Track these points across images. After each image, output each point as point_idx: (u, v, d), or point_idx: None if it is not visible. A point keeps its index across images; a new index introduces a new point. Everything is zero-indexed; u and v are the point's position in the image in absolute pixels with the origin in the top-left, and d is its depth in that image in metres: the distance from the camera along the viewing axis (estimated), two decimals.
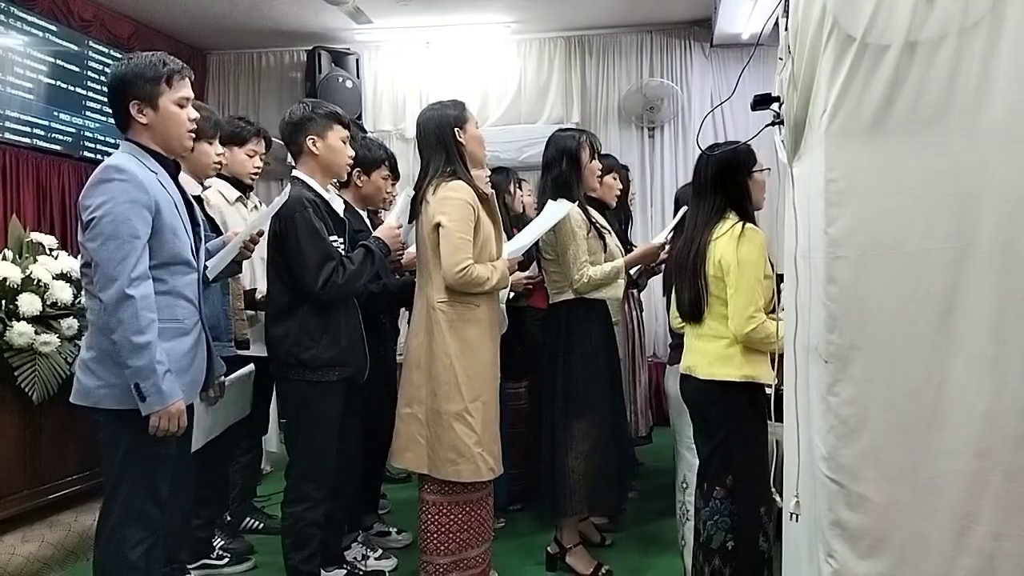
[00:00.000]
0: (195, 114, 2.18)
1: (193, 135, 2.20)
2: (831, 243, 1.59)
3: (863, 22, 1.54)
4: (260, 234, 2.41)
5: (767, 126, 1.87)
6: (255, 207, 3.21)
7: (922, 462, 1.55)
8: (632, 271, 3.57)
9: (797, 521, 1.75)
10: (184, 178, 2.61)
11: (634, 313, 3.69)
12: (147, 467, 2.05)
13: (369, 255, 2.56)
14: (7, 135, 4.95)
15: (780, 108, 1.85)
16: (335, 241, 2.53)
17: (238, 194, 3.14)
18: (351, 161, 2.72)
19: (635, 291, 3.79)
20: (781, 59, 1.83)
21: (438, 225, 2.56)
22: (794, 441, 1.76)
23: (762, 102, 1.89)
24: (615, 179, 3.49)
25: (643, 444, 4.00)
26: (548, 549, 3.00)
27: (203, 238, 2.26)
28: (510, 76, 6.19)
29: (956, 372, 1.53)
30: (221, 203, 3.04)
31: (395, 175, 3.25)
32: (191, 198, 2.35)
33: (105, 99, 2.14)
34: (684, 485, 2.90)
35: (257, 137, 3.19)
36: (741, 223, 2.32)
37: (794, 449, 1.76)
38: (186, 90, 2.14)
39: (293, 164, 2.68)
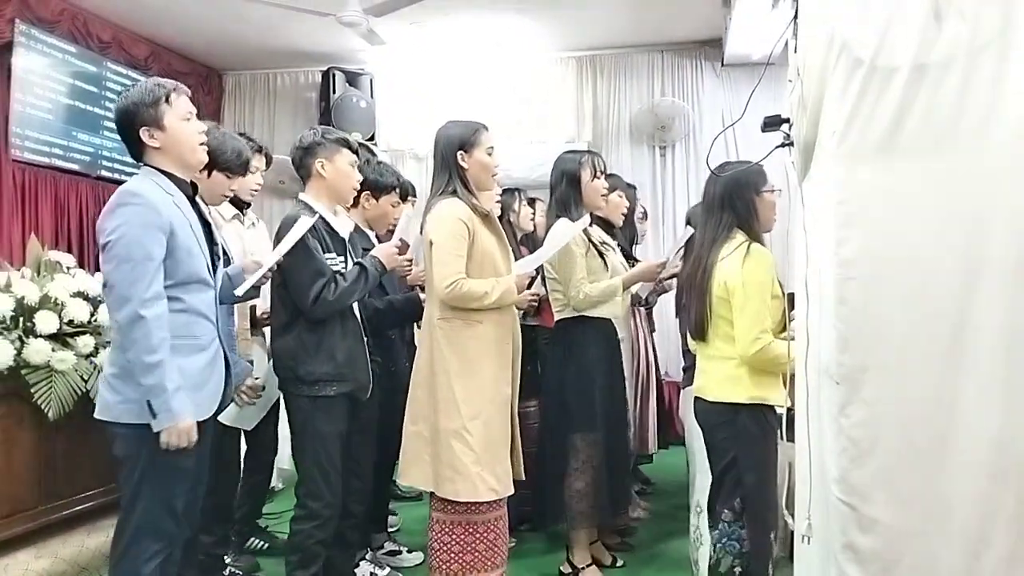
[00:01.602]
0: (202, 126, 2.24)
1: (206, 147, 2.25)
2: (841, 264, 1.59)
3: (872, 45, 1.55)
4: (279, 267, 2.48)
5: (777, 147, 1.88)
6: (252, 224, 3.25)
7: (934, 484, 1.53)
8: (636, 289, 3.60)
9: (809, 544, 1.74)
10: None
11: (641, 331, 3.69)
12: (165, 481, 2.09)
13: (363, 272, 2.60)
14: (27, 154, 5.04)
15: (790, 129, 1.87)
16: (332, 259, 2.57)
17: (235, 212, 3.16)
18: (358, 185, 2.78)
19: (642, 309, 3.79)
20: (791, 81, 1.84)
21: (431, 243, 2.61)
22: (806, 463, 1.75)
23: (772, 124, 1.91)
24: (621, 197, 3.52)
25: (647, 463, 3.99)
26: (561, 568, 3.00)
27: (220, 257, 2.31)
28: (522, 95, 6.25)
29: (968, 393, 1.52)
30: (218, 221, 3.06)
31: (405, 200, 3.31)
32: (208, 219, 2.40)
33: None
34: (699, 509, 2.89)
35: (259, 154, 3.22)
36: (747, 243, 2.32)
37: (806, 471, 1.75)
38: (186, 105, 2.21)
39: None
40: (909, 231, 1.55)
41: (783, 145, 1.86)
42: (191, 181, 2.25)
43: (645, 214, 4.48)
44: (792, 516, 1.90)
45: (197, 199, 2.29)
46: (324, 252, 2.55)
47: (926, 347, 1.54)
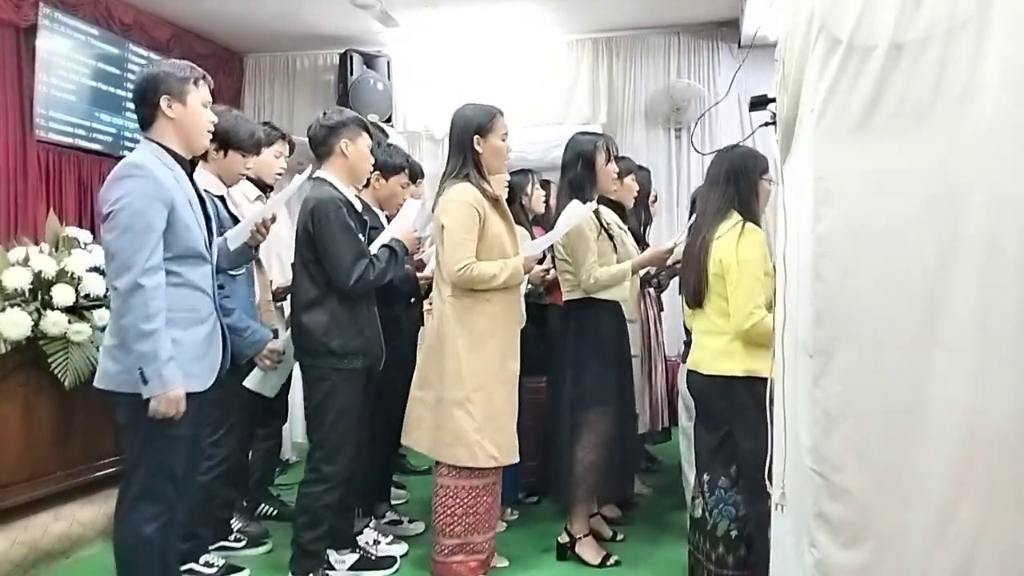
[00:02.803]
0: (214, 117, 2.31)
1: (212, 135, 2.34)
2: (818, 240, 1.62)
3: (849, 24, 1.57)
4: (273, 219, 2.55)
5: (761, 126, 1.91)
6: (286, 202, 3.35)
7: (905, 454, 1.57)
8: (652, 270, 3.65)
9: (783, 512, 1.78)
10: (210, 178, 2.80)
11: (651, 312, 3.74)
12: (163, 448, 2.17)
13: (393, 255, 2.73)
14: (51, 135, 5.16)
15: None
16: (361, 239, 2.70)
17: (258, 193, 3.30)
18: (372, 169, 2.91)
19: (652, 290, 3.83)
20: (776, 61, 1.87)
21: (442, 226, 2.71)
22: (782, 434, 1.80)
23: (759, 103, 1.94)
24: (633, 181, 3.56)
25: (661, 441, 4.05)
26: (559, 539, 3.07)
27: (215, 233, 2.37)
28: (537, 77, 6.26)
29: (940, 366, 1.55)
30: (243, 201, 3.20)
31: (414, 180, 3.41)
32: (214, 197, 2.48)
33: None
34: (688, 482, 2.96)
35: (282, 141, 3.39)
36: (742, 223, 2.39)
37: (781, 442, 1.80)
38: (208, 95, 2.29)
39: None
40: (885, 208, 1.58)
41: (767, 124, 1.89)
42: (190, 159, 2.32)
43: (656, 197, 4.50)
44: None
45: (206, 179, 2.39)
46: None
47: (900, 322, 1.57)
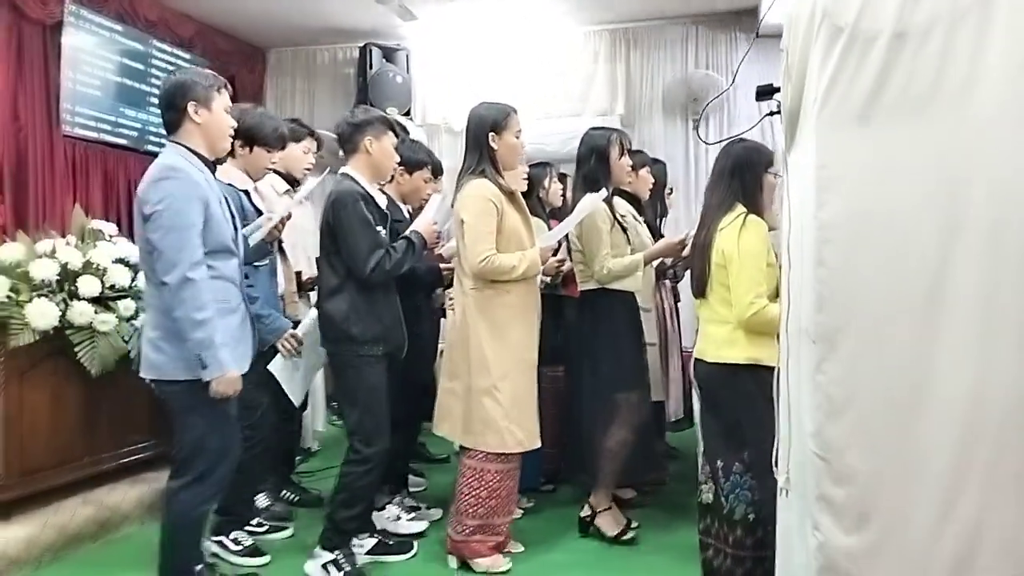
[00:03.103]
0: (234, 123, 2.46)
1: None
2: (821, 227, 1.64)
3: (852, 13, 1.59)
4: (289, 217, 2.70)
5: (767, 115, 1.93)
6: (300, 201, 3.41)
7: (907, 439, 1.59)
8: (668, 261, 3.69)
9: (788, 496, 1.81)
10: (236, 173, 2.93)
11: (666, 302, 3.78)
12: (218, 428, 2.32)
13: (411, 246, 2.81)
14: (77, 130, 5.26)
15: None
16: (379, 231, 2.78)
17: (287, 187, 3.41)
18: (396, 164, 3.01)
19: (668, 281, 3.86)
20: (781, 51, 1.89)
21: (462, 221, 2.80)
22: (786, 419, 1.82)
23: (764, 93, 1.95)
24: (648, 173, 3.61)
25: (680, 429, 4.08)
26: (580, 514, 3.18)
27: (239, 228, 2.51)
28: (555, 69, 6.27)
29: (943, 351, 1.56)
30: (271, 194, 3.29)
31: (436, 176, 3.48)
32: (238, 192, 2.59)
33: None
34: (701, 462, 3.01)
35: (311, 138, 3.50)
36: (744, 215, 2.44)
37: (786, 427, 1.82)
38: (229, 100, 2.44)
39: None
40: (887, 194, 1.59)
41: (772, 113, 1.91)
42: (212, 160, 2.46)
43: (672, 190, 4.52)
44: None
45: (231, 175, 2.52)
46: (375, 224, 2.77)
47: (902, 308, 1.59)
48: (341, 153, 2.90)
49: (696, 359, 2.58)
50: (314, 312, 2.97)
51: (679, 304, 4.19)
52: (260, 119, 3.01)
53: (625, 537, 3.08)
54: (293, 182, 3.45)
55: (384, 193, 3.00)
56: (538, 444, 2.92)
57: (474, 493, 2.86)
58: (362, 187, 2.80)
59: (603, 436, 3.05)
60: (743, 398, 2.39)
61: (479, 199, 2.80)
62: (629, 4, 5.81)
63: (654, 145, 6.00)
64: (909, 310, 1.57)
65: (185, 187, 2.26)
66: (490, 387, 2.79)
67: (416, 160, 3.35)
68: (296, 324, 3.14)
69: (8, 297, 2.89)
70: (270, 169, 3.17)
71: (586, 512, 3.15)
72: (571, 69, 6.27)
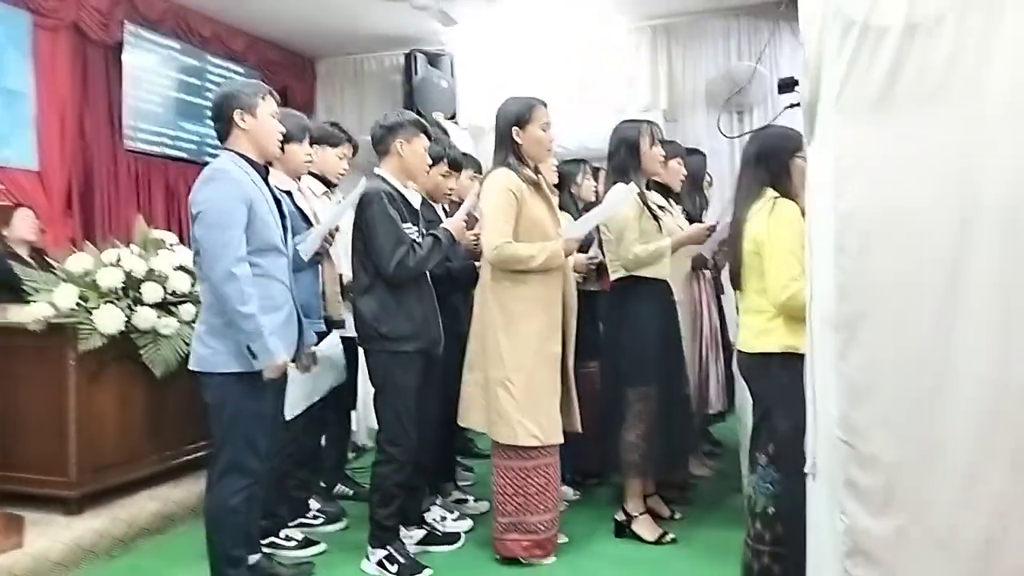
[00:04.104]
0: (281, 127, 2.56)
1: (281, 141, 2.59)
2: (840, 216, 1.67)
3: (864, 5, 1.61)
4: (337, 229, 2.78)
5: (787, 107, 1.96)
6: (339, 201, 3.52)
7: (930, 424, 1.60)
8: (706, 252, 3.67)
9: (815, 481, 1.84)
10: (279, 176, 3.01)
11: (704, 294, 3.76)
12: (248, 422, 2.41)
13: (437, 242, 2.84)
14: (139, 144, 5.53)
15: None
16: (409, 229, 2.83)
17: (325, 188, 3.47)
18: (427, 167, 3.05)
19: (707, 272, 3.85)
20: (803, 43, 1.91)
21: (482, 212, 2.85)
22: (812, 405, 1.85)
23: (786, 85, 1.99)
24: (680, 164, 3.60)
25: (716, 423, 4.07)
26: (615, 517, 3.16)
27: (289, 228, 2.61)
28: (596, 67, 6.32)
29: (963, 337, 1.57)
30: (311, 196, 3.37)
31: (457, 171, 3.47)
32: (281, 193, 2.70)
33: None
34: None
35: (347, 143, 3.56)
36: (774, 200, 2.40)
37: (812, 413, 1.85)
38: (275, 107, 2.54)
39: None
40: (904, 183, 1.62)
41: (793, 106, 1.94)
42: (264, 164, 2.57)
43: (711, 180, 4.51)
44: None
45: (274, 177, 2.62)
46: (402, 222, 2.82)
47: (922, 293, 1.60)
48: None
49: (738, 350, 2.59)
50: (335, 337, 3.07)
51: (722, 296, 4.17)
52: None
53: (665, 541, 3.06)
54: (329, 185, 3.50)
55: (418, 194, 3.05)
56: (559, 440, 2.89)
57: (502, 491, 2.89)
58: (391, 185, 2.85)
59: (621, 431, 3.03)
60: (776, 388, 2.37)
61: (497, 189, 2.83)
62: (670, 0, 5.82)
63: (698, 139, 6.00)
64: (928, 297, 1.59)
65: (228, 187, 2.37)
66: (503, 378, 2.81)
67: (433, 155, 3.24)
68: (336, 323, 3.24)
69: (78, 304, 3.07)
70: (308, 164, 3.23)
71: (621, 517, 3.13)
72: (613, 66, 6.30)
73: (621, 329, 3.07)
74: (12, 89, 4.77)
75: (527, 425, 2.81)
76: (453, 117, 6.49)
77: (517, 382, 2.80)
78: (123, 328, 3.13)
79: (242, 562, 2.51)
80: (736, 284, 2.55)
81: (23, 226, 4.25)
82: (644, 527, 3.09)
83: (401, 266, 2.73)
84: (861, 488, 1.67)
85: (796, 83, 1.95)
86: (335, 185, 3.54)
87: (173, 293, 3.34)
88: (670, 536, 3.08)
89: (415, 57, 6.52)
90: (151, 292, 3.24)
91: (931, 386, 1.61)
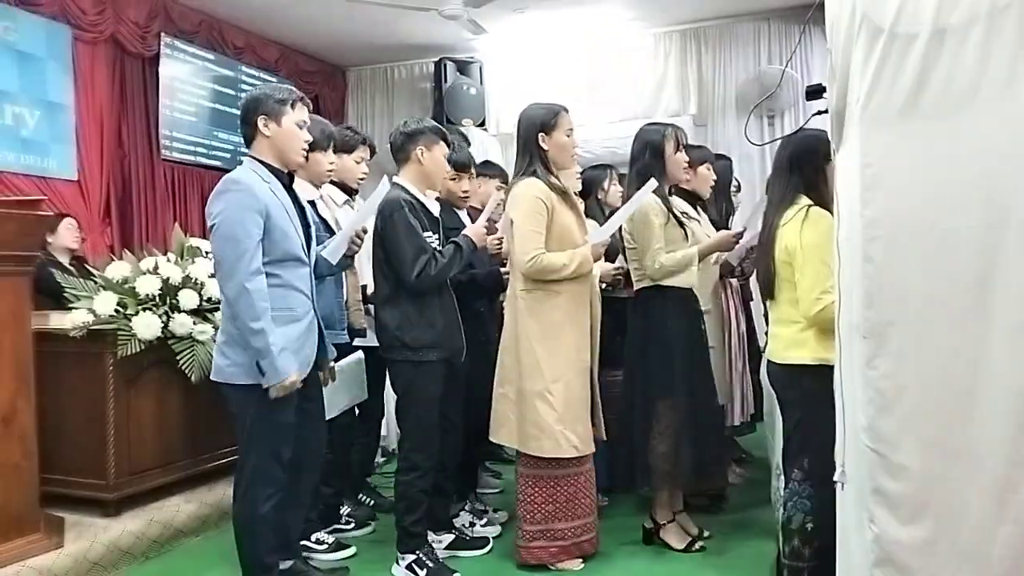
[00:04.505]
0: (308, 136, 2.53)
1: (305, 151, 2.55)
2: (867, 224, 1.67)
3: (891, 13, 1.61)
4: (365, 230, 2.74)
5: (814, 115, 1.95)
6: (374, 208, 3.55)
7: (960, 432, 1.60)
8: (727, 257, 3.63)
9: (844, 490, 1.83)
10: (302, 184, 2.99)
11: (732, 302, 3.72)
12: (270, 433, 2.41)
13: (458, 250, 2.84)
14: (175, 154, 5.64)
15: None
16: (429, 237, 2.83)
17: (345, 197, 3.45)
18: (445, 175, 3.05)
19: (734, 280, 3.82)
20: (829, 50, 1.91)
21: (512, 221, 2.83)
22: (841, 414, 1.85)
23: (814, 92, 1.98)
24: (708, 170, 3.55)
25: (746, 433, 4.02)
26: (644, 524, 3.14)
27: (314, 238, 2.60)
28: (625, 73, 6.33)
29: (992, 345, 1.56)
30: (333, 205, 3.38)
31: (465, 171, 3.38)
32: (304, 203, 2.72)
33: None
34: (777, 472, 2.95)
35: (363, 145, 3.51)
36: (807, 208, 2.35)
37: (841, 421, 1.84)
38: (304, 115, 2.51)
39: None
40: (931, 190, 1.61)
41: (820, 113, 1.94)
42: (288, 172, 2.54)
43: (739, 186, 4.48)
44: None
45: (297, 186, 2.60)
46: (422, 231, 2.81)
47: (949, 301, 1.60)
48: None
49: (768, 360, 2.55)
50: (358, 355, 3.06)
51: (751, 303, 4.14)
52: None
53: (694, 549, 3.04)
54: (349, 192, 3.48)
55: (440, 201, 3.06)
56: (593, 449, 2.90)
57: (530, 499, 2.88)
58: (411, 194, 2.85)
59: (648, 442, 2.99)
60: (807, 401, 2.33)
61: (528, 198, 2.81)
62: (699, 4, 5.82)
63: (729, 144, 5.98)
64: (956, 305, 1.59)
65: (243, 199, 2.33)
66: (543, 391, 2.79)
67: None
68: (358, 332, 3.25)
69: (116, 311, 3.15)
70: (330, 173, 3.18)
71: (649, 524, 3.11)
72: (642, 72, 6.31)
73: (646, 339, 3.03)
74: (54, 101, 4.90)
75: (569, 436, 2.80)
76: (482, 124, 6.54)
77: (557, 393, 2.79)
78: (160, 334, 3.20)
79: (273, 568, 2.52)
80: (767, 294, 2.50)
81: (67, 235, 4.37)
82: (673, 535, 3.07)
83: (423, 275, 2.74)
84: (890, 496, 1.66)
85: (823, 90, 1.94)
86: (356, 191, 3.53)
87: (208, 300, 3.40)
88: (699, 544, 3.06)
89: (445, 65, 6.58)
90: (187, 299, 3.31)
91: (960, 394, 1.60)
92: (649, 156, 3.05)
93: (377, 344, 2.99)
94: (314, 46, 6.82)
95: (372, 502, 3.70)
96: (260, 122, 2.43)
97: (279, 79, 6.48)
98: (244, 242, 2.31)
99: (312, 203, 3.01)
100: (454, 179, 3.31)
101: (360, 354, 3.09)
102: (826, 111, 1.96)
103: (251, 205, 2.34)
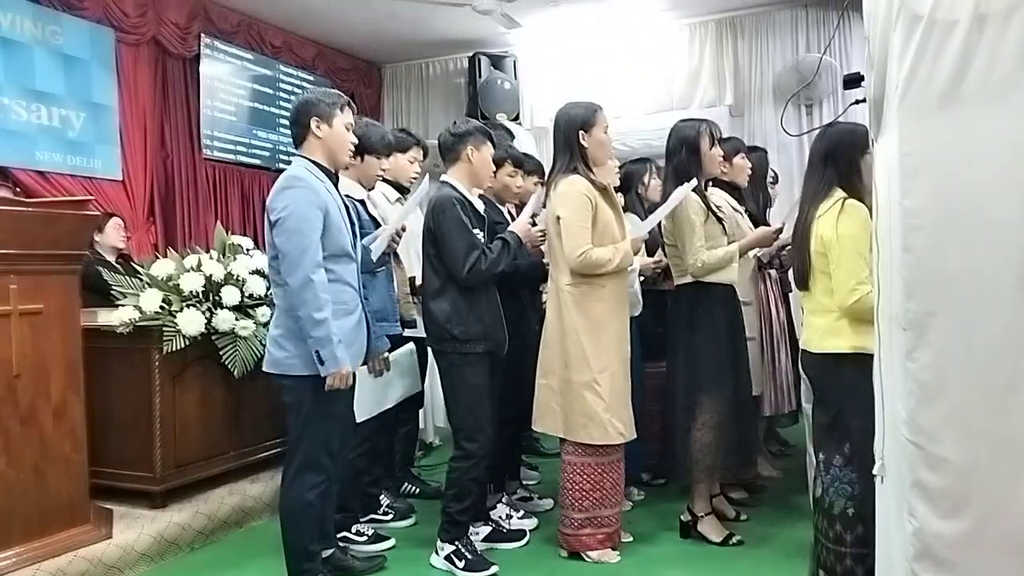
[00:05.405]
0: (354, 138, 2.65)
1: (353, 151, 2.68)
2: (906, 214, 1.65)
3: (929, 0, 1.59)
4: (403, 229, 2.86)
5: (853, 104, 1.93)
6: (417, 206, 3.61)
7: (1003, 425, 1.57)
8: (772, 252, 3.62)
9: (883, 483, 1.82)
10: (351, 184, 3.12)
11: (771, 294, 3.71)
12: (322, 423, 2.51)
13: (506, 246, 2.93)
14: (216, 153, 5.75)
15: None
16: (477, 233, 2.92)
17: (397, 195, 3.59)
18: (492, 174, 3.13)
19: (773, 272, 3.79)
20: (867, 39, 1.89)
21: (558, 217, 2.88)
22: (880, 406, 1.83)
23: (852, 81, 1.96)
24: (743, 159, 3.54)
25: (788, 424, 4.00)
26: (681, 517, 3.16)
27: (358, 235, 2.69)
28: (661, 63, 6.29)
29: None
30: (384, 203, 3.48)
31: (520, 169, 3.50)
32: (354, 201, 2.79)
33: None
34: (811, 460, 2.94)
35: (417, 147, 3.68)
36: (842, 200, 2.37)
37: (881, 414, 1.83)
38: (351, 117, 2.63)
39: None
40: (972, 179, 1.58)
41: (859, 102, 1.91)
42: (334, 171, 2.65)
43: (776, 178, 4.43)
44: None
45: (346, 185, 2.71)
46: (471, 227, 2.90)
47: (992, 292, 1.57)
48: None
49: (803, 350, 2.56)
50: (410, 346, 3.15)
51: (790, 295, 4.11)
52: (367, 129, 3.18)
53: (731, 543, 3.05)
54: (402, 190, 3.62)
55: (483, 198, 3.13)
56: (634, 435, 2.98)
57: (577, 487, 2.93)
58: (460, 192, 2.94)
59: (689, 434, 3.04)
60: (847, 388, 2.35)
61: (574, 195, 2.87)
62: None
63: (766, 134, 5.92)
64: (998, 296, 1.56)
65: (306, 195, 2.44)
66: (591, 381, 2.87)
67: (497, 158, 3.28)
68: (408, 324, 3.33)
69: (161, 307, 3.23)
70: (379, 177, 3.34)
71: (687, 517, 3.13)
72: (677, 64, 6.26)
73: (690, 331, 3.06)
74: (98, 103, 5.02)
75: (615, 424, 2.89)
76: (517, 118, 6.54)
77: (604, 383, 2.87)
78: (204, 330, 3.27)
79: (316, 556, 2.60)
80: (802, 284, 2.52)
81: (114, 234, 4.48)
82: (710, 528, 3.08)
83: (474, 270, 2.83)
84: (930, 490, 1.64)
85: (862, 79, 1.91)
86: (407, 190, 3.63)
87: (250, 296, 3.47)
88: (736, 538, 3.06)
89: (479, 60, 6.59)
90: (230, 295, 3.37)
91: (1003, 385, 1.58)
92: (685, 153, 3.09)
93: (424, 335, 3.08)
94: (350, 44, 6.90)
95: (417, 490, 3.75)
96: (313, 123, 2.54)
97: (316, 77, 6.57)
98: (309, 235, 2.41)
99: (361, 202, 3.11)
100: (511, 175, 3.43)
101: (411, 345, 3.17)
102: (864, 100, 1.94)
103: (314, 201, 2.45)
